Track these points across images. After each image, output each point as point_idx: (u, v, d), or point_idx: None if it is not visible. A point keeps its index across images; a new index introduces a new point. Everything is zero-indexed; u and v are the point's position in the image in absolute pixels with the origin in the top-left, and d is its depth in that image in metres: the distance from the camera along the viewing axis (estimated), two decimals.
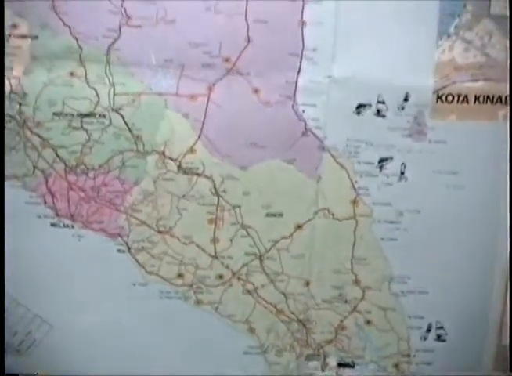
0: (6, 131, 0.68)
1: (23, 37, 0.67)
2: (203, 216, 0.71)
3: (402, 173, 0.72)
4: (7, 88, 0.67)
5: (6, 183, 0.69)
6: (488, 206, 0.73)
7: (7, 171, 0.68)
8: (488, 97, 0.71)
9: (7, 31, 0.66)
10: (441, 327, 0.74)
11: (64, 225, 0.71)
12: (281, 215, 0.72)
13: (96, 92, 0.68)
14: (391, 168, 0.72)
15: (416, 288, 0.74)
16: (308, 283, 0.74)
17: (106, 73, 0.68)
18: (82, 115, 0.68)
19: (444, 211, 0.72)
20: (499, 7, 0.69)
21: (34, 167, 0.69)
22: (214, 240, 0.72)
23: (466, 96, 0.71)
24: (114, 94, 0.68)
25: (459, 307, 0.75)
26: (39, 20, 0.66)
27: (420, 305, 0.74)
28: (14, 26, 0.66)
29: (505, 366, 0.73)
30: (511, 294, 0.73)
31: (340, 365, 0.75)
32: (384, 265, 0.73)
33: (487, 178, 0.72)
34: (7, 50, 0.67)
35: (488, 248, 0.74)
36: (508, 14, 0.68)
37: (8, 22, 0.66)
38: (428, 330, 0.75)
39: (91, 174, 0.70)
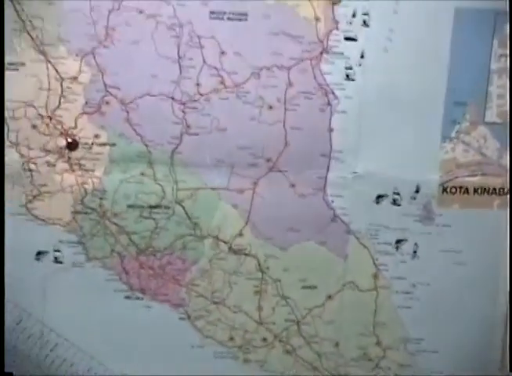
0: (89, 221, 0.80)
1: (104, 145, 0.79)
2: (250, 289, 0.83)
3: (415, 252, 0.84)
4: (90, 186, 0.80)
5: (88, 264, 0.81)
6: (486, 279, 0.84)
7: (90, 253, 0.81)
8: (485, 189, 0.83)
9: (90, 140, 0.79)
10: None
11: (136, 297, 0.82)
12: (315, 287, 0.84)
13: (162, 188, 0.80)
14: (406, 247, 0.84)
15: (428, 348, 0.85)
16: (337, 345, 0.85)
17: (170, 172, 0.80)
18: (151, 207, 0.81)
19: (450, 284, 0.84)
20: (492, 116, 0.82)
21: (112, 250, 0.81)
22: (259, 309, 0.84)
23: (466, 188, 0.83)
24: (177, 189, 0.80)
25: (466, 362, 0.86)
26: (117, 131, 0.78)
27: (432, 362, 0.85)
28: (96, 136, 0.79)
29: None
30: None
31: None
32: (401, 328, 0.85)
33: (485, 256, 0.83)
34: (90, 156, 0.79)
35: (488, 313, 0.84)
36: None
37: (91, 133, 0.79)
38: None
39: (158, 255, 0.82)
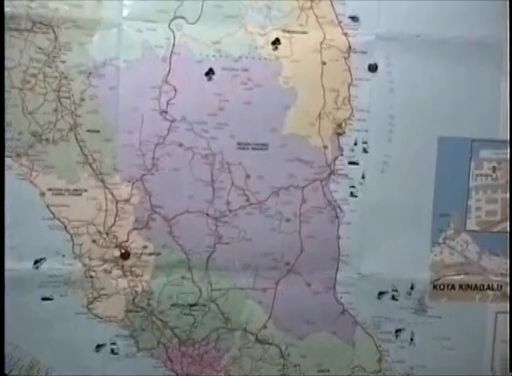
0: (139, 318, 0.90)
1: (151, 254, 0.88)
2: (275, 373, 0.92)
3: (412, 339, 0.94)
4: (139, 289, 0.89)
5: (139, 354, 0.90)
6: (472, 361, 0.94)
7: (140, 345, 0.91)
8: (468, 285, 0.93)
9: (139, 251, 0.89)
10: None
11: None
12: (328, 370, 0.93)
13: (200, 289, 0.90)
14: (404, 335, 0.93)
15: None
16: None
17: (205, 275, 0.89)
18: (190, 305, 0.90)
19: (442, 365, 0.94)
20: (472, 224, 0.93)
21: (158, 342, 0.90)
22: None
23: (453, 285, 0.92)
24: (211, 290, 0.90)
25: None
26: (161, 242, 0.88)
27: None
28: (144, 247, 0.88)
29: None
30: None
31: None
32: None
33: (470, 342, 0.93)
34: (140, 263, 0.89)
35: None
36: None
37: (140, 244, 0.89)
38: None
39: (196, 345, 0.90)
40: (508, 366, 0.87)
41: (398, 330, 0.93)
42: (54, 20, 0.83)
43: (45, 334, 0.86)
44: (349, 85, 0.88)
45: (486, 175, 0.90)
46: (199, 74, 0.86)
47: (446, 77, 0.89)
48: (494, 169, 0.90)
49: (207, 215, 0.87)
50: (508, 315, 0.90)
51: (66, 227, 0.86)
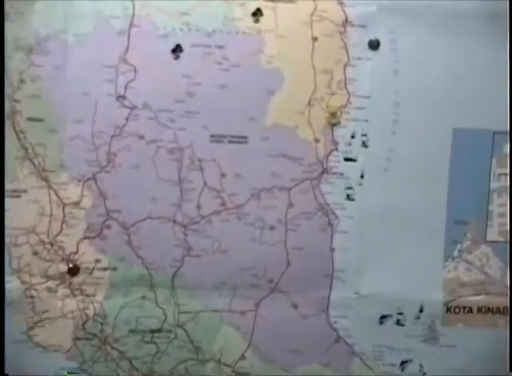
0: (90, 348, 0.80)
1: (105, 269, 0.80)
2: None
3: (420, 371, 0.84)
4: (91, 311, 0.80)
5: None
6: None
7: None
8: (489, 308, 0.83)
9: (91, 265, 0.80)
10: None
11: None
12: None
13: (164, 311, 0.81)
14: (411, 368, 0.84)
15: None
16: None
17: (171, 295, 0.81)
18: (152, 331, 0.81)
19: None
20: (494, 234, 0.83)
21: None
22: None
23: (470, 308, 0.84)
24: (179, 313, 0.81)
25: None
26: (118, 255, 0.79)
27: None
28: (97, 260, 0.80)
29: None
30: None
31: None
32: None
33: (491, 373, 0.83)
34: (91, 280, 0.80)
35: None
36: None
37: (92, 257, 0.80)
38: None
39: None
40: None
41: (404, 362, 0.84)
42: None
43: None
44: (345, 66, 0.80)
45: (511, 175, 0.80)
46: (164, 52, 0.78)
47: (463, 56, 0.81)
48: None
49: (174, 221, 0.80)
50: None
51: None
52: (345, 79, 0.80)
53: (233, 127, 0.80)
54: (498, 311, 0.83)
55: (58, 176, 0.78)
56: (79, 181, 0.78)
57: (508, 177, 0.82)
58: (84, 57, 0.77)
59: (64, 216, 0.79)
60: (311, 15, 0.80)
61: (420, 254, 0.82)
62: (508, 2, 0.78)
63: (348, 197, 0.82)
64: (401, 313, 0.83)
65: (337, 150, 0.81)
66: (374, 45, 0.80)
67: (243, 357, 0.82)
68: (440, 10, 0.80)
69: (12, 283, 0.78)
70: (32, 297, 0.79)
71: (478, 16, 0.81)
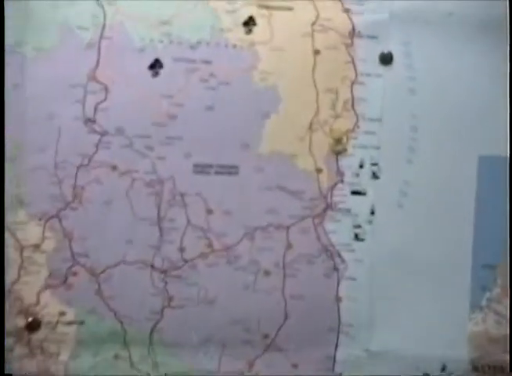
0: None
1: (71, 323, 0.73)
2: None
3: None
4: (54, 374, 0.73)
5: None
6: None
7: None
8: None
9: (54, 319, 0.73)
10: None
11: None
12: None
13: (140, 372, 0.74)
14: None
15: None
16: None
17: (149, 353, 0.73)
18: None
19: None
20: None
21: None
22: None
23: (501, 367, 0.76)
24: (158, 375, 0.74)
25: None
26: (86, 307, 0.73)
27: None
28: (61, 313, 0.72)
29: None
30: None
31: None
32: None
33: None
34: (55, 337, 0.72)
35: None
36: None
37: (56, 310, 0.73)
38: None
39: None
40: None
41: None
42: None
43: None
44: (352, 84, 0.76)
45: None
46: (140, 68, 0.74)
47: (491, 74, 0.76)
48: None
49: (152, 266, 0.74)
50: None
51: None
52: (352, 99, 0.76)
53: (222, 155, 0.75)
54: None
55: (15, 214, 0.73)
56: (40, 219, 0.73)
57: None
58: (47, 74, 0.73)
59: (22, 261, 0.73)
60: (313, 24, 0.76)
61: (441, 305, 0.76)
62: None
63: (357, 237, 0.76)
64: (419, 374, 0.76)
65: (342, 182, 0.77)
66: (386, 59, 0.77)
67: None
68: (464, 19, 0.76)
69: None
70: None
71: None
